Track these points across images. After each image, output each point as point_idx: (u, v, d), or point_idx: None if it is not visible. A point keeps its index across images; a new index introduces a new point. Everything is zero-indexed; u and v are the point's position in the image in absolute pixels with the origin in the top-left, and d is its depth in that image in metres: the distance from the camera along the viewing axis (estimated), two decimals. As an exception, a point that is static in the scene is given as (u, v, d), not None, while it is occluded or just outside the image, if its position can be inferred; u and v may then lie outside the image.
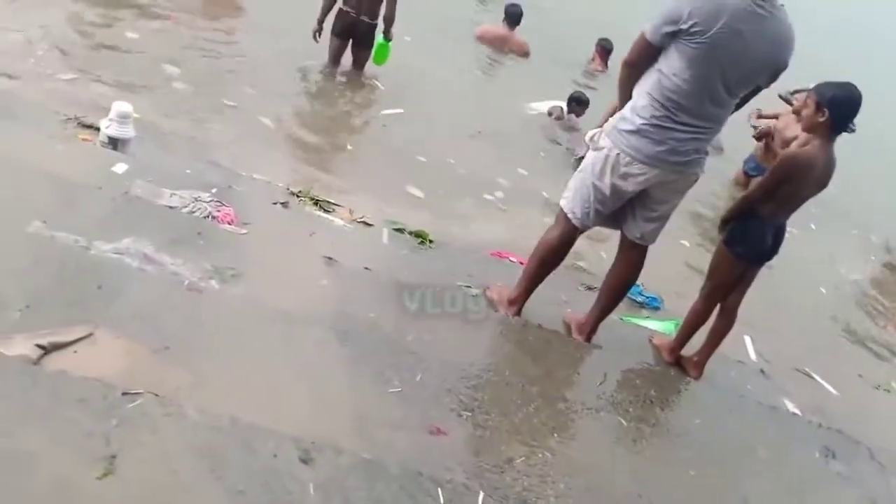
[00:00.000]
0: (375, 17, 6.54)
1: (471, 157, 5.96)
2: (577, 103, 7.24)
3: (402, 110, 6.39)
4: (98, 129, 4.04)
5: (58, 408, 1.76)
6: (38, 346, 2.12)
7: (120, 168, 3.60)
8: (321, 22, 6.44)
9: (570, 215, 3.40)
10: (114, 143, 3.91)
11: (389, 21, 6.57)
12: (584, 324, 3.61)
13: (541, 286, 3.58)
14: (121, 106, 3.91)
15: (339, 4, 6.44)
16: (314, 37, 6.46)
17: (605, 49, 9.08)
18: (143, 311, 2.42)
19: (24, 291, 2.31)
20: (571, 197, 3.40)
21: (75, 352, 2.15)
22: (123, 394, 1.86)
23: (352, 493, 1.90)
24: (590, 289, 4.15)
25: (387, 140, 5.86)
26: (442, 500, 2.02)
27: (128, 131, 3.92)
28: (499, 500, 2.20)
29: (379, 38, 6.64)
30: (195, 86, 5.45)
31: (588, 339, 3.58)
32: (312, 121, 5.89)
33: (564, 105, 7.30)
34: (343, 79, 6.69)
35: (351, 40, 6.65)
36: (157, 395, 1.92)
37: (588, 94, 7.46)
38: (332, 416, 2.31)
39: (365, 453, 2.09)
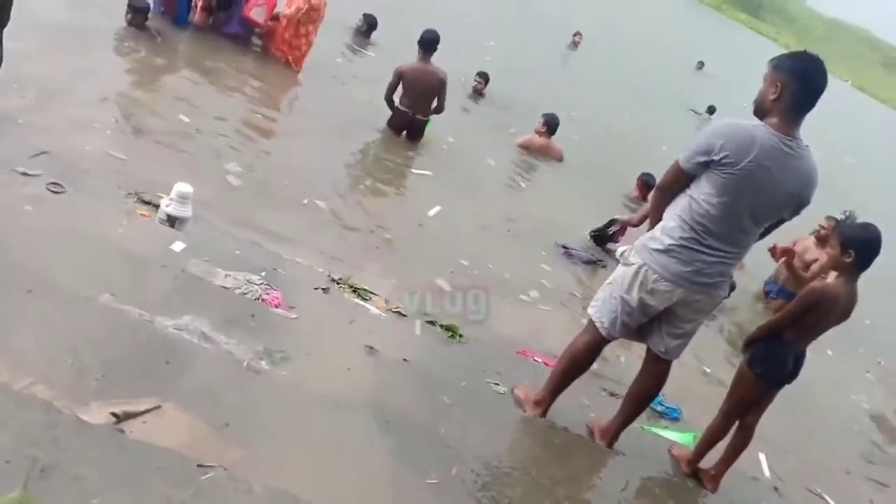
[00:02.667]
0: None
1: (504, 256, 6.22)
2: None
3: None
4: (156, 206, 4.29)
5: (140, 474, 1.92)
6: (113, 413, 2.28)
7: (178, 246, 3.81)
8: None
9: (598, 324, 3.57)
10: (171, 221, 4.14)
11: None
12: (606, 430, 3.74)
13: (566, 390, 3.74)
14: (182, 186, 4.16)
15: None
16: None
17: (646, 184, 9.00)
18: (205, 387, 2.59)
19: (99, 360, 2.49)
20: (600, 307, 3.58)
21: (144, 422, 2.31)
22: (198, 466, 2.01)
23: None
24: (612, 395, 4.29)
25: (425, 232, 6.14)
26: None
27: (186, 211, 4.16)
28: None
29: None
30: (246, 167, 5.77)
31: (610, 444, 3.70)
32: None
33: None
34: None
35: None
36: (226, 469, 2.07)
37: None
38: (375, 499, 2.45)
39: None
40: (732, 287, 3.69)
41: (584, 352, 3.65)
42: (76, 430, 2.01)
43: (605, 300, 3.57)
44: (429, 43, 7.64)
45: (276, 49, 8.26)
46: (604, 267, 6.78)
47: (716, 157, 3.16)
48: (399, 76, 7.65)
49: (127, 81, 6.52)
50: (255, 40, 8.43)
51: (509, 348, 4.64)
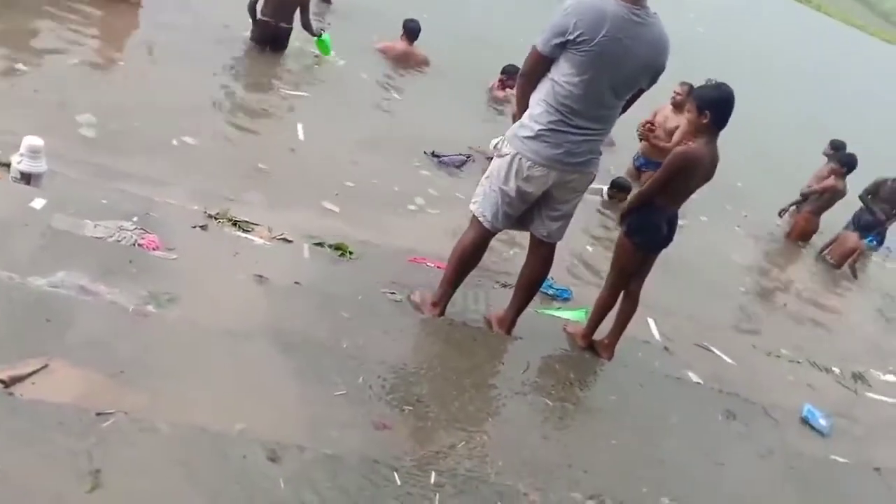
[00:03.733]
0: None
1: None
2: (619, 189, 7.43)
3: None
4: (7, 165, 4.02)
5: (39, 432, 1.86)
6: (-1, 380, 2.19)
7: (38, 203, 3.60)
8: None
9: (481, 219, 3.65)
10: (27, 178, 3.90)
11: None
12: (503, 319, 3.88)
13: (460, 287, 3.84)
14: (31, 140, 3.90)
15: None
16: None
17: (506, 73, 8.90)
18: (93, 339, 2.51)
19: (-27, 330, 2.37)
20: (481, 202, 3.66)
21: (33, 383, 2.23)
22: (97, 414, 1.97)
23: (319, 484, 2.08)
24: (504, 286, 4.43)
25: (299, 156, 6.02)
26: (399, 482, 2.23)
27: (40, 166, 3.92)
28: (448, 478, 2.42)
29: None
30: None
31: (508, 332, 3.85)
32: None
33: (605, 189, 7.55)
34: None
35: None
36: (126, 413, 2.03)
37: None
38: (288, 420, 2.47)
39: (325, 449, 2.26)
40: None
41: (471, 247, 3.73)
42: (-39, 401, 1.93)
43: (485, 194, 3.64)
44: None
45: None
46: (473, 161, 6.92)
47: (571, 37, 3.22)
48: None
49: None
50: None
51: (401, 258, 4.68)
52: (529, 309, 3.97)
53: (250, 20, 7.82)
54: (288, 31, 8.01)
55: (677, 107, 7.63)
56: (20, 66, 5.70)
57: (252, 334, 2.95)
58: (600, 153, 3.59)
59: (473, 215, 3.70)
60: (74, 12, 7.11)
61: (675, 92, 7.73)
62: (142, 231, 3.67)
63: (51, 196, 3.74)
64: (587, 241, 6.36)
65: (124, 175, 4.59)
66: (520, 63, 3.61)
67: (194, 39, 7.55)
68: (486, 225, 3.63)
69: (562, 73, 3.32)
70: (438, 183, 6.48)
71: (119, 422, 1.98)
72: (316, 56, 8.37)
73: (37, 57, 5.99)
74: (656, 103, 7.59)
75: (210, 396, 2.45)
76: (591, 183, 3.69)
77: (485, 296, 4.25)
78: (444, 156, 6.88)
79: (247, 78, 7.48)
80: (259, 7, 7.74)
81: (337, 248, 4.43)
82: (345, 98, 7.65)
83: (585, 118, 3.39)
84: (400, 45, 9.22)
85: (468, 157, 7.02)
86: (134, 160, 4.96)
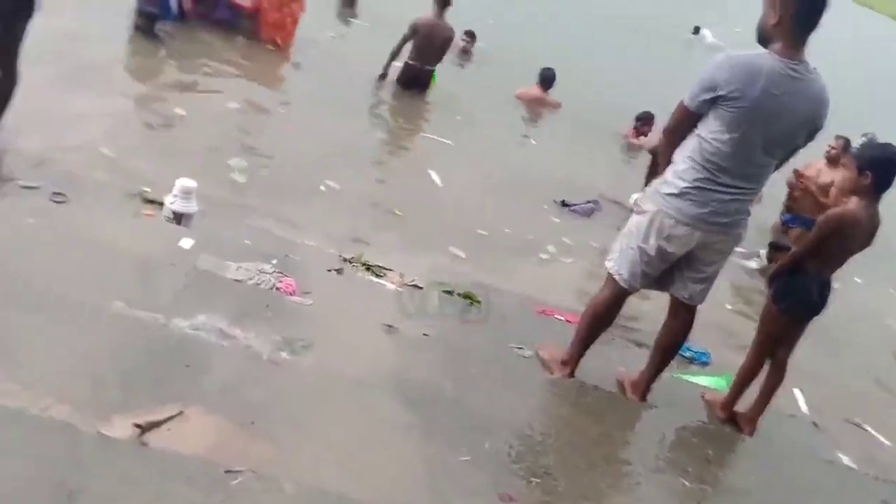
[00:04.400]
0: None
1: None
2: (778, 250, 7.00)
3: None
4: (161, 205, 4.24)
5: (168, 485, 1.89)
6: (136, 425, 2.25)
7: (186, 243, 3.76)
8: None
9: (617, 277, 3.50)
10: (178, 217, 4.09)
11: None
12: (637, 383, 3.69)
13: (592, 345, 3.68)
14: (185, 182, 4.10)
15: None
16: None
17: (640, 119, 8.94)
18: (227, 386, 2.55)
19: (117, 371, 2.46)
20: (617, 259, 3.51)
21: (168, 430, 2.27)
22: (226, 472, 1.98)
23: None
24: (639, 346, 4.24)
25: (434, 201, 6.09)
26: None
27: (191, 206, 4.11)
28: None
29: None
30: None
31: (643, 397, 3.65)
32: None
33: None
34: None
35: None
36: (254, 471, 2.03)
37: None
38: (411, 484, 2.41)
39: (447, 521, 2.18)
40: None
41: (605, 306, 3.58)
42: (99, 448, 1.98)
43: (622, 252, 3.49)
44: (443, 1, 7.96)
45: (264, 32, 8.15)
46: (601, 210, 6.83)
47: (721, 93, 3.06)
48: (414, 30, 7.95)
49: (121, 80, 6.43)
50: (244, 24, 8.28)
51: (530, 309, 4.59)
52: (666, 373, 3.76)
53: (389, 64, 8.17)
54: (431, 73, 8.34)
55: (831, 161, 7.18)
56: (179, 110, 6.05)
57: (379, 386, 2.93)
58: (749, 213, 3.38)
59: (609, 273, 3.56)
60: (229, 63, 7.54)
61: (829, 146, 7.27)
62: (280, 274, 3.76)
63: (199, 236, 3.90)
64: (731, 301, 6.03)
65: (269, 217, 4.75)
66: (654, 109, 3.48)
67: (341, 85, 7.86)
68: (623, 284, 3.48)
69: (710, 130, 3.16)
70: (571, 231, 6.36)
71: (246, 480, 1.98)
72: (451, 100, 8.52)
73: (194, 104, 6.34)
74: (807, 156, 7.15)
75: (333, 453, 2.42)
76: (737, 244, 3.48)
77: (618, 356, 4.07)
78: (574, 205, 6.77)
79: (391, 122, 7.73)
80: (407, 52, 8.08)
81: (465, 296, 4.39)
82: (480, 143, 7.73)
83: (734, 176, 3.20)
84: (535, 91, 9.37)
85: (596, 204, 6.88)
86: (280, 203, 5.14)
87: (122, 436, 2.11)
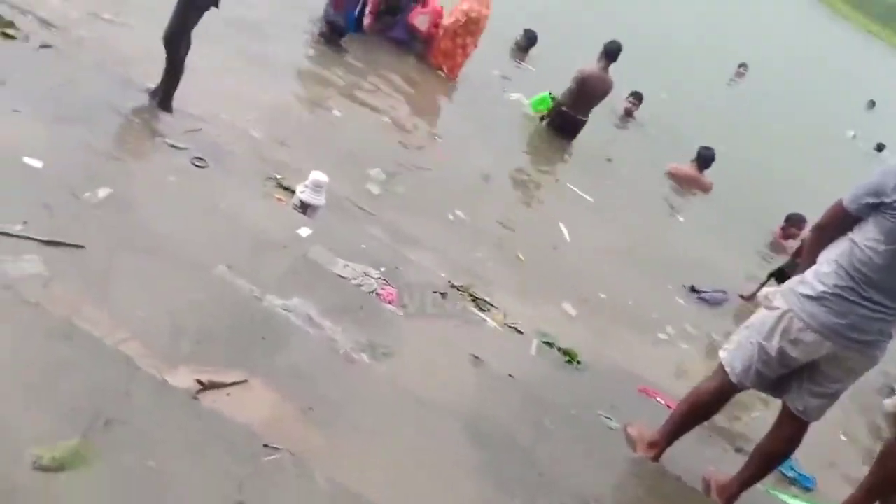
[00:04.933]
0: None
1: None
2: None
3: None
4: (293, 192, 4.35)
5: (207, 444, 1.86)
6: (199, 381, 2.25)
7: (304, 231, 3.82)
8: None
9: (728, 369, 3.23)
10: (304, 207, 4.18)
11: None
12: (726, 486, 3.37)
13: (685, 435, 3.42)
14: (317, 175, 4.20)
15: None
16: None
17: (789, 220, 8.60)
18: (298, 369, 2.53)
19: (199, 327, 2.49)
20: (733, 351, 3.25)
21: (228, 394, 2.27)
22: (265, 445, 1.93)
23: None
24: (738, 451, 3.91)
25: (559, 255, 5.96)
26: None
27: (320, 199, 4.19)
28: None
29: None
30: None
31: (728, 503, 3.34)
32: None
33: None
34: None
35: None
36: (293, 454, 1.97)
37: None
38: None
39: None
40: None
41: (709, 398, 3.31)
42: (152, 390, 1.99)
43: (740, 345, 3.23)
44: (614, 52, 7.92)
45: (433, 57, 8.33)
46: (728, 300, 6.46)
47: (887, 200, 2.79)
48: (582, 82, 7.94)
49: (290, 76, 6.74)
50: (416, 46, 8.52)
51: (631, 384, 4.34)
52: (759, 485, 3.43)
53: (554, 110, 8.21)
54: (583, 123, 8.25)
55: None
56: (336, 112, 6.26)
57: (450, 413, 2.82)
58: (891, 336, 3.05)
59: (721, 363, 3.30)
60: (395, 81, 7.75)
61: None
62: (384, 282, 3.75)
63: (318, 228, 3.96)
64: (848, 428, 5.49)
65: (391, 229, 4.77)
66: (808, 212, 3.22)
67: (495, 121, 7.91)
68: (733, 378, 3.21)
69: (866, 237, 2.88)
70: (694, 317, 6.02)
71: (281, 460, 1.92)
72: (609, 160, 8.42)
73: (352, 111, 6.55)
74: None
75: (384, 463, 2.33)
76: (871, 367, 3.14)
77: (711, 454, 3.76)
78: (704, 292, 6.42)
79: (535, 165, 7.68)
80: (562, 97, 8.10)
81: (565, 352, 4.21)
82: (621, 207, 7.53)
83: (883, 293, 2.89)
84: (689, 169, 9.07)
85: (725, 294, 6.50)
86: (405, 219, 5.16)
87: (181, 386, 2.10)
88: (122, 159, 3.63)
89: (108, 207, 2.95)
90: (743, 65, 19.30)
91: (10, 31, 4.43)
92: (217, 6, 4.36)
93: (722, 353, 3.31)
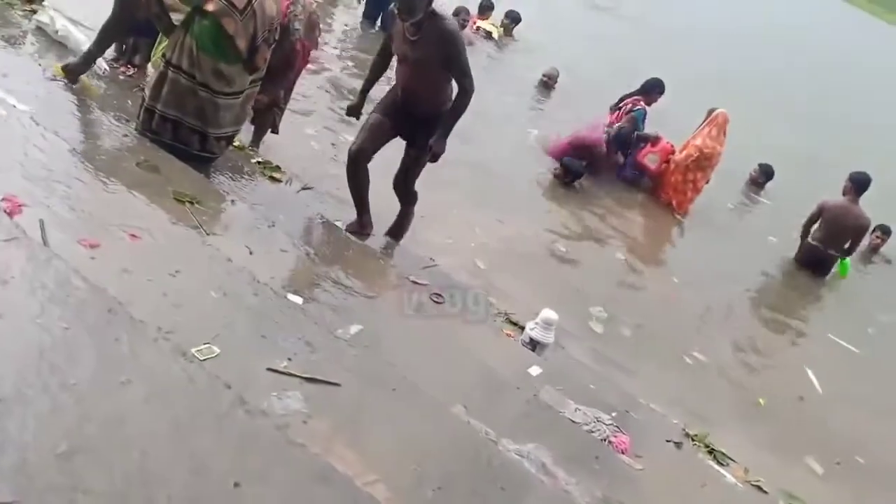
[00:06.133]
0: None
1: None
2: None
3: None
4: (522, 328, 4.40)
5: None
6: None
7: (534, 371, 3.82)
8: None
9: None
10: (533, 345, 4.20)
11: None
12: None
13: None
14: (548, 313, 4.22)
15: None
16: None
17: None
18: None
19: (440, 471, 2.50)
20: None
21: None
22: None
23: None
24: None
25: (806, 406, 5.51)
26: None
27: (549, 337, 4.20)
28: None
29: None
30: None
31: None
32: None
33: None
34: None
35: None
36: None
37: None
38: None
39: None
40: None
41: None
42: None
43: None
44: (862, 184, 7.71)
45: (663, 192, 8.28)
46: None
47: None
48: (821, 209, 7.78)
49: (520, 211, 6.97)
50: (646, 182, 8.51)
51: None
52: None
53: (803, 243, 7.99)
54: (835, 259, 7.89)
55: None
56: (560, 247, 6.35)
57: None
58: None
59: None
60: (625, 216, 7.78)
61: None
62: (616, 428, 3.62)
63: (548, 368, 3.95)
64: None
65: (619, 369, 4.66)
66: None
67: (731, 256, 7.65)
68: None
69: None
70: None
71: None
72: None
73: (581, 247, 6.61)
74: None
75: None
76: None
77: None
78: None
79: (779, 306, 7.22)
80: (812, 231, 7.87)
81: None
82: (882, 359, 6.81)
83: None
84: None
85: None
86: (635, 361, 5.03)
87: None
88: (370, 296, 3.88)
89: (359, 345, 3.12)
90: None
91: (276, 175, 5.02)
92: None
93: None
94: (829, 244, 7.82)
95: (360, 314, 3.45)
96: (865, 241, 9.14)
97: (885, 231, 9.25)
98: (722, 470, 3.92)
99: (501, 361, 3.80)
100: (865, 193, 7.77)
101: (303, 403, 2.51)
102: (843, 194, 7.84)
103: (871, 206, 7.96)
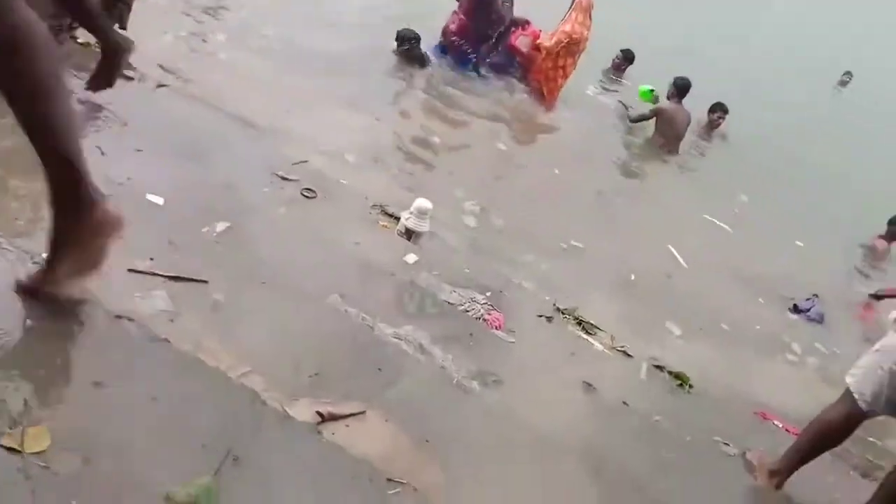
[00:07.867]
0: None
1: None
2: None
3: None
4: (398, 219, 4.41)
5: (331, 478, 1.89)
6: (318, 413, 2.29)
7: (410, 258, 3.86)
8: None
9: (856, 396, 3.08)
10: (409, 234, 4.23)
11: None
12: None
13: (809, 464, 3.27)
14: (422, 202, 4.24)
15: None
16: None
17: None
18: (412, 399, 2.54)
19: (316, 358, 2.53)
20: (861, 377, 3.10)
21: (347, 426, 2.29)
22: (388, 480, 1.95)
23: None
24: (865, 476, 3.71)
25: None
26: None
27: (424, 226, 4.23)
28: None
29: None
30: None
31: (858, 536, 3.17)
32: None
33: None
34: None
35: None
36: (415, 489, 1.98)
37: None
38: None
39: None
40: None
41: (837, 425, 3.17)
42: (278, 425, 2.04)
43: (868, 369, 3.08)
44: (683, 89, 8.51)
45: (533, 79, 8.34)
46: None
47: None
48: (655, 112, 8.48)
49: (385, 103, 6.87)
50: (516, 68, 8.54)
51: (746, 407, 4.19)
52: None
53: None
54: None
55: None
56: (436, 139, 6.34)
57: (565, 443, 2.78)
58: None
59: (848, 388, 3.14)
60: (495, 105, 7.79)
61: None
62: (490, 307, 3.74)
63: (423, 255, 4.00)
64: None
65: (494, 254, 4.78)
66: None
67: (597, 139, 7.85)
68: (862, 405, 3.06)
69: None
70: (808, 337, 5.78)
71: (405, 495, 1.93)
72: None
73: (452, 136, 6.63)
74: None
75: (502, 498, 2.31)
76: None
77: (836, 481, 3.58)
78: (805, 310, 6.16)
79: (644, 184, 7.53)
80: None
81: (676, 376, 4.10)
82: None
83: None
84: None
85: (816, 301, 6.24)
86: (509, 245, 5.17)
87: (303, 419, 2.15)
88: (236, 193, 3.76)
89: (227, 241, 3.05)
90: (847, 73, 18.46)
91: (128, 73, 4.69)
92: None
93: (849, 379, 3.15)
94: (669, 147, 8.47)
95: (227, 211, 3.36)
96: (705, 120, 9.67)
97: (724, 110, 9.73)
98: (590, 339, 4.14)
99: (378, 252, 3.81)
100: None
101: (168, 302, 2.45)
102: (668, 98, 8.52)
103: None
